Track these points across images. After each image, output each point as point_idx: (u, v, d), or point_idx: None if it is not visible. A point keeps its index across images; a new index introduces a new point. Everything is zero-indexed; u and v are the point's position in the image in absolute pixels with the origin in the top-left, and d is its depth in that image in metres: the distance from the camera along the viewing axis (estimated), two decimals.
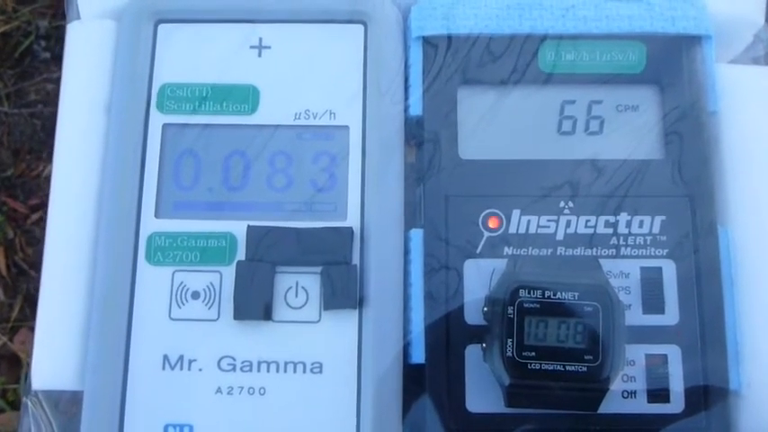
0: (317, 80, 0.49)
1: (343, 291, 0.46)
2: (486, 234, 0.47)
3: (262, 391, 0.45)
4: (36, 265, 1.07)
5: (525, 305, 0.43)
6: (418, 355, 0.46)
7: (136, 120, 0.49)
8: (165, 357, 0.46)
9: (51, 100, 1.14)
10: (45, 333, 0.47)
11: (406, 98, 0.49)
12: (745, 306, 0.46)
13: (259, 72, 0.50)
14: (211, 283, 0.47)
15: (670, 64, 0.49)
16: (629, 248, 0.47)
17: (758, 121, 0.49)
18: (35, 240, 1.09)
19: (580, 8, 0.50)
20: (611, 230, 0.47)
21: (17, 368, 1.04)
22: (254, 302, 0.46)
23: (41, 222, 1.09)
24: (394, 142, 0.49)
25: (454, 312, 0.46)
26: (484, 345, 0.45)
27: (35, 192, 1.11)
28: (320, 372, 0.46)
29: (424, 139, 0.48)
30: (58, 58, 1.13)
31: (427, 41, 0.50)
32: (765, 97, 0.49)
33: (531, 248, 0.47)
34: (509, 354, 0.43)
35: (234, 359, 0.46)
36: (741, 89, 0.49)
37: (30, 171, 1.12)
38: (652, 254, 0.47)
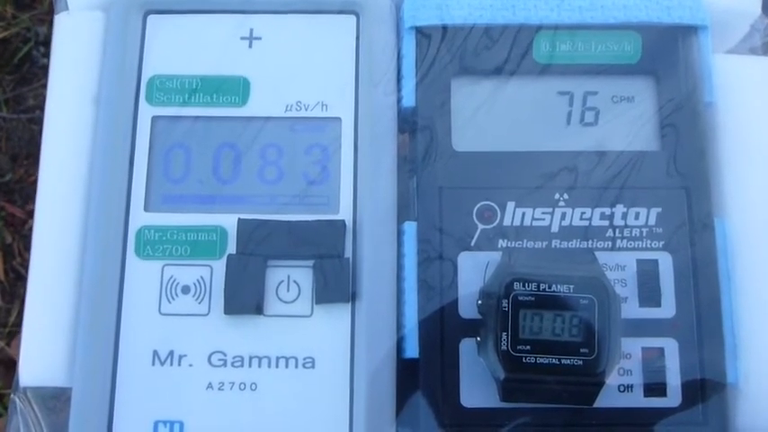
0: (308, 71, 0.49)
1: (336, 284, 0.46)
2: (481, 226, 0.47)
3: (253, 386, 0.45)
4: None
5: (520, 298, 0.43)
6: (412, 350, 0.45)
7: (125, 112, 0.48)
8: (155, 353, 0.45)
9: None
10: (33, 329, 0.47)
11: (399, 89, 0.49)
12: (742, 298, 0.46)
13: (250, 63, 0.49)
14: (202, 278, 0.46)
15: (666, 54, 0.49)
16: (624, 241, 0.46)
17: (755, 112, 0.49)
18: None
19: None
20: (606, 223, 0.47)
21: (14, 373, 1.03)
22: (245, 297, 0.45)
23: None
24: (387, 134, 0.48)
25: (448, 306, 0.46)
26: (478, 338, 0.44)
27: (33, 197, 1.10)
28: (312, 367, 0.45)
29: (418, 131, 0.48)
30: None
31: (420, 32, 0.49)
32: (762, 88, 0.49)
33: (525, 241, 0.46)
34: (504, 347, 0.42)
35: (225, 354, 0.45)
36: (738, 80, 0.49)
37: (28, 176, 1.11)
38: (648, 246, 0.46)
